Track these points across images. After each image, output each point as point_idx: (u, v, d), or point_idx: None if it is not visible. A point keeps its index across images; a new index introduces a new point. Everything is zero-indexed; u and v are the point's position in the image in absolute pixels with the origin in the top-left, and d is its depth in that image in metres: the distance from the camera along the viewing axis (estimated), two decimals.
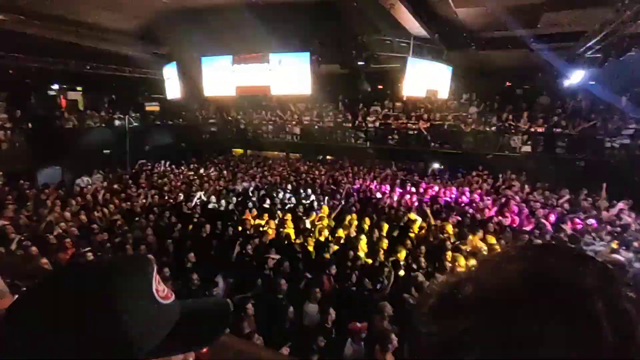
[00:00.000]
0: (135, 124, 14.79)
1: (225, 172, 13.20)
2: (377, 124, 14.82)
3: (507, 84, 14.83)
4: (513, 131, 12.67)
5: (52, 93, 14.85)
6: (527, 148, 12.41)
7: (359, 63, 9.48)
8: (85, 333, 0.50)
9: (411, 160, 14.36)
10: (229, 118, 17.74)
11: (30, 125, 12.06)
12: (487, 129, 13.14)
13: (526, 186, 10.52)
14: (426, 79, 10.42)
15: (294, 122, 16.15)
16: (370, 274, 5.45)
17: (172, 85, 12.20)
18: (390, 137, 14.45)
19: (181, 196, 10.01)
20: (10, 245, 5.80)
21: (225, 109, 17.82)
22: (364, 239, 6.67)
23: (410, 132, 14.15)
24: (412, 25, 8.43)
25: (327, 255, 6.09)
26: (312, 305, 4.71)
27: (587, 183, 9.80)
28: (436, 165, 14.03)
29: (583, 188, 9.62)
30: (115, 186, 10.51)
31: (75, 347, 0.49)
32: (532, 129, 12.44)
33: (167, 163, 13.96)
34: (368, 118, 15.02)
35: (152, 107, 17.38)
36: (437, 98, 12.22)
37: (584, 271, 0.37)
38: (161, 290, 0.60)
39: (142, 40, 10.93)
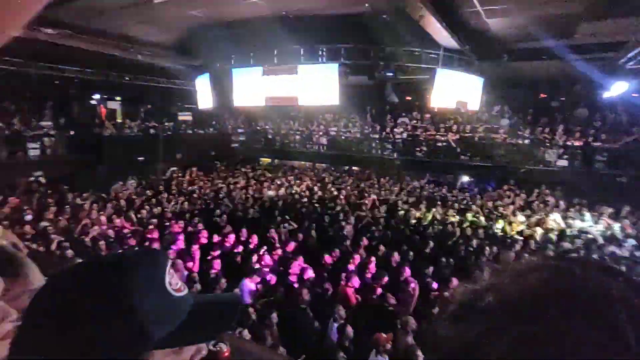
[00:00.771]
0: (168, 132, 15.37)
1: (252, 180, 13.42)
2: (405, 135, 14.67)
3: (542, 95, 14.34)
4: (548, 144, 12.20)
5: (93, 102, 15.71)
6: (563, 162, 11.88)
7: (387, 74, 9.47)
8: (99, 321, 0.52)
9: (439, 172, 14.08)
10: (258, 128, 18.11)
11: (72, 132, 12.77)
12: (520, 141, 12.73)
13: (562, 202, 10.06)
14: (456, 90, 10.26)
15: (320, 133, 16.27)
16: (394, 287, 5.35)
17: (204, 96, 12.61)
18: (418, 148, 14.27)
19: (210, 203, 10.24)
20: (50, 245, 6.13)
21: (254, 118, 18.22)
22: None
23: (439, 144, 13.92)
24: (442, 36, 8.36)
25: None
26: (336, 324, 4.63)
27: (629, 199, 9.27)
28: (465, 179, 13.68)
29: (625, 205, 9.10)
30: (148, 192, 10.90)
31: (90, 334, 0.51)
32: (569, 143, 11.93)
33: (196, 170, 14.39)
34: (395, 129, 14.91)
35: (185, 116, 18.01)
36: (467, 109, 11.98)
37: (610, 282, 0.36)
38: (174, 284, 0.62)
39: (177, 53, 11.41)
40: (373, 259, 6.25)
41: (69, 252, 5.73)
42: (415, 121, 15.17)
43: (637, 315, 0.33)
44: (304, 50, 9.49)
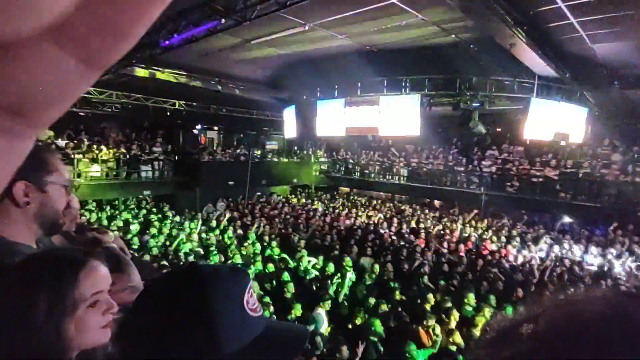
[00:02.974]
0: (256, 159, 16.56)
1: (330, 208, 13.62)
2: (494, 169, 13.68)
3: None
4: None
5: (195, 132, 17.74)
6: None
7: (473, 105, 9.06)
8: (179, 328, 0.58)
9: (534, 211, 12.70)
10: (338, 157, 18.53)
11: (176, 158, 14.49)
12: (638, 179, 10.96)
13: None
14: (554, 121, 9.36)
15: (401, 164, 16.00)
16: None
17: (290, 126, 13.40)
18: (509, 183, 13.13)
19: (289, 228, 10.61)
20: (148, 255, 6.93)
21: (335, 148, 18.72)
22: None
23: (534, 180, 12.66)
24: (536, 63, 7.78)
25: None
26: None
27: None
28: (567, 220, 12.12)
29: None
30: (235, 214, 11.74)
31: (170, 339, 0.58)
32: None
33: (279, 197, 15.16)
34: (483, 162, 14.01)
35: (272, 145, 19.29)
36: (568, 142, 10.80)
37: None
38: (251, 303, 0.66)
39: (267, 87, 12.46)
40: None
41: (164, 263, 6.38)
42: (505, 154, 14.11)
43: None
44: (386, 82, 9.61)
